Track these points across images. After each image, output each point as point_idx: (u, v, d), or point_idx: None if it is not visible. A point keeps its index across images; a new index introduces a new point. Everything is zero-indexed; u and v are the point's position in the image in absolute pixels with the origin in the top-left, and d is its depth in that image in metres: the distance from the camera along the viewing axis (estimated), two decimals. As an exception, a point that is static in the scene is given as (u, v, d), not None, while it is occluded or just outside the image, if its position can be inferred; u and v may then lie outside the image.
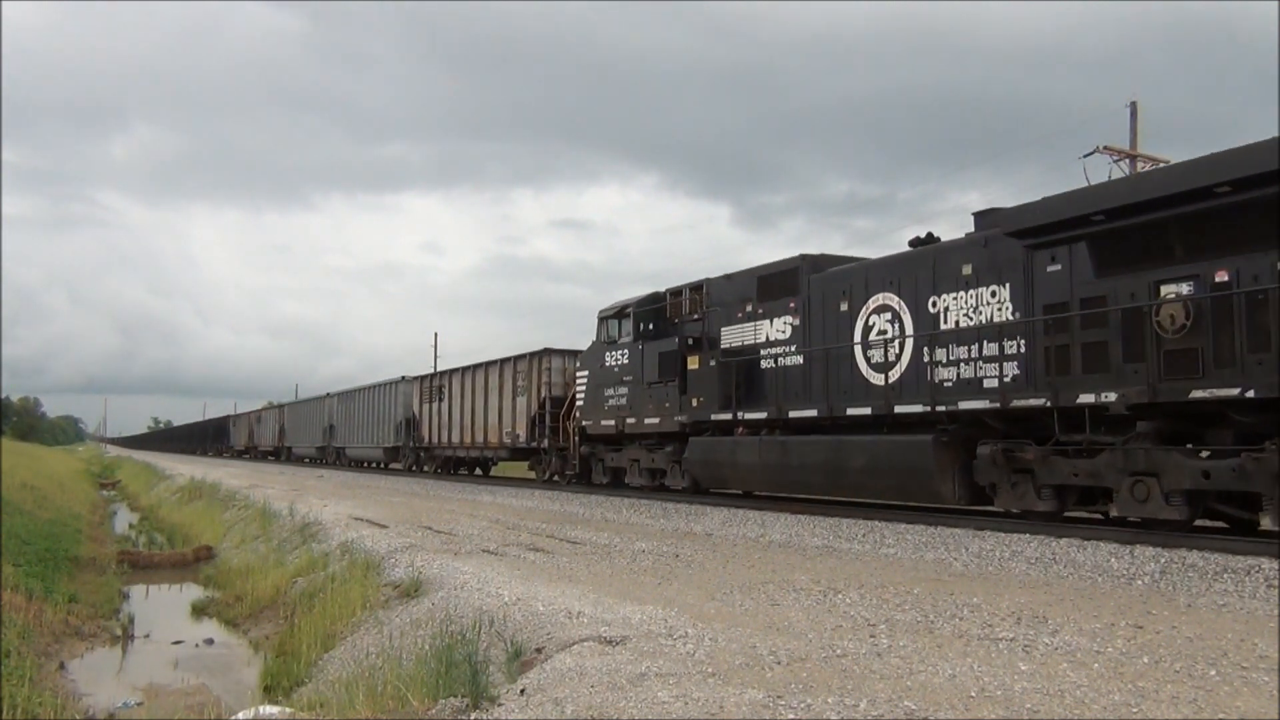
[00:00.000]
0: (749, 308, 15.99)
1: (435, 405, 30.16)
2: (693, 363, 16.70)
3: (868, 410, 13.08)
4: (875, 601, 7.58)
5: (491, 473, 30.47)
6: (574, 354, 22.66)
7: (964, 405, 11.76)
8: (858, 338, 13.74)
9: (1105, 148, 23.78)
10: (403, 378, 34.18)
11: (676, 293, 18.24)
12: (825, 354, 14.29)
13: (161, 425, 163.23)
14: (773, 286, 15.56)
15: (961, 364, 12.24)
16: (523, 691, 5.71)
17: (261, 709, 7.30)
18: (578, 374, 21.00)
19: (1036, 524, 11.27)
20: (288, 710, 7.35)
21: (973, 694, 4.88)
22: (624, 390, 18.72)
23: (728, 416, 15.62)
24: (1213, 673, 5.20)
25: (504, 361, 25.54)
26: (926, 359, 12.64)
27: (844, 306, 14.07)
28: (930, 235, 13.75)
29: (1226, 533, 10.37)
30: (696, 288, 17.56)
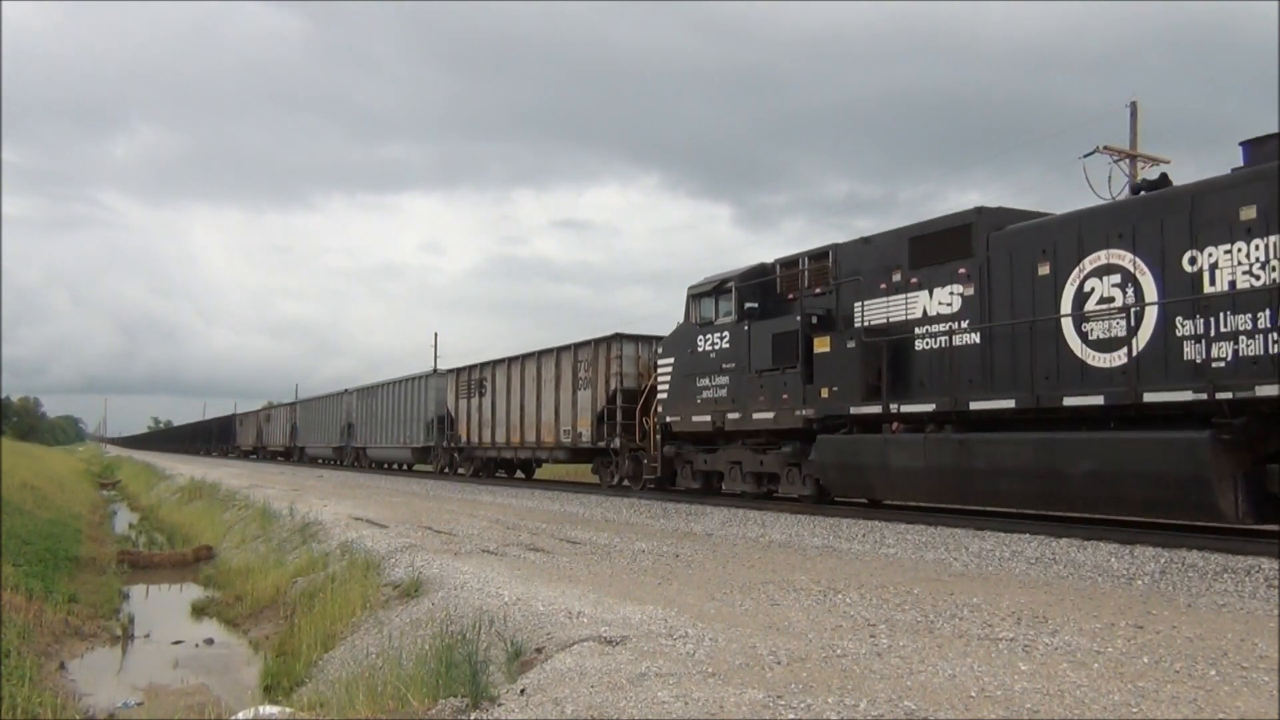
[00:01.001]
0: (897, 277, 13.21)
1: (475, 401, 27.05)
2: (820, 345, 13.90)
3: (1098, 400, 10.40)
4: (875, 601, 7.58)
5: (536, 476, 28.03)
6: (651, 340, 20.21)
7: (1264, 391, 8.92)
8: (1068, 308, 11.04)
9: (1105, 148, 23.77)
10: (435, 370, 31.45)
11: (790, 263, 15.60)
12: (1025, 330, 11.43)
13: (161, 425, 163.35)
14: (933, 249, 12.77)
15: (1242, 337, 9.39)
16: (523, 691, 5.71)
17: (261, 709, 7.30)
18: (659, 362, 18.15)
19: (1036, 524, 11.24)
20: (288, 710, 7.35)
21: (973, 694, 4.88)
22: (724, 380, 15.88)
23: (876, 409, 12.88)
24: (1213, 673, 5.20)
25: (562, 350, 22.42)
26: (1186, 332, 9.88)
27: (1044, 269, 11.36)
28: (1164, 177, 11.44)
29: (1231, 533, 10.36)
30: (819, 255, 14.94)
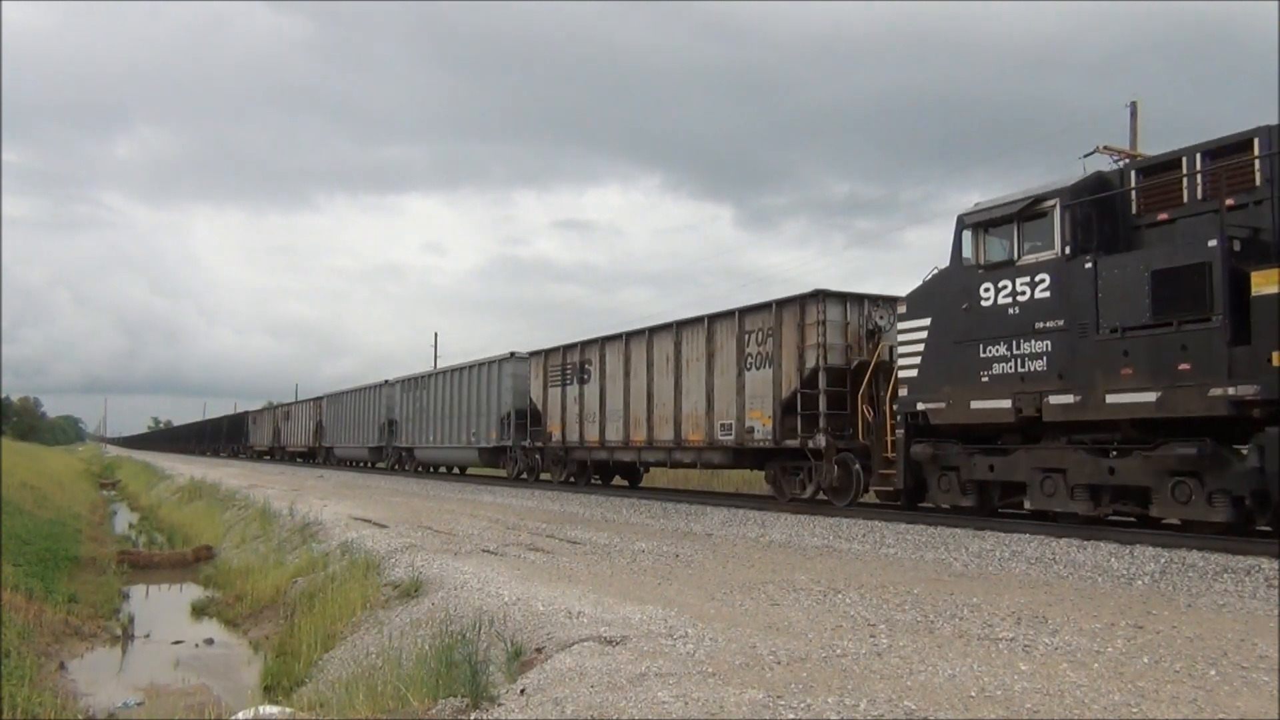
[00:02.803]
0: None
1: (572, 389, 21.88)
2: (1264, 282, 9.09)
3: None
4: (875, 601, 7.58)
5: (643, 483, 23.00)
6: (863, 300, 15.11)
7: None
8: None
9: (1105, 147, 23.76)
10: (512, 354, 26.03)
11: (1162, 165, 10.82)
12: None
13: (161, 425, 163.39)
14: None
15: None
16: (523, 691, 5.71)
17: (261, 709, 7.30)
18: (900, 326, 13.14)
19: (1036, 524, 11.22)
20: (288, 710, 7.35)
21: (973, 694, 4.88)
22: (1039, 345, 11.06)
23: None
24: (1213, 673, 5.20)
25: (716, 318, 17.05)
26: None
27: None
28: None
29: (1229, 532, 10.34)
30: (1235, 147, 10.10)
